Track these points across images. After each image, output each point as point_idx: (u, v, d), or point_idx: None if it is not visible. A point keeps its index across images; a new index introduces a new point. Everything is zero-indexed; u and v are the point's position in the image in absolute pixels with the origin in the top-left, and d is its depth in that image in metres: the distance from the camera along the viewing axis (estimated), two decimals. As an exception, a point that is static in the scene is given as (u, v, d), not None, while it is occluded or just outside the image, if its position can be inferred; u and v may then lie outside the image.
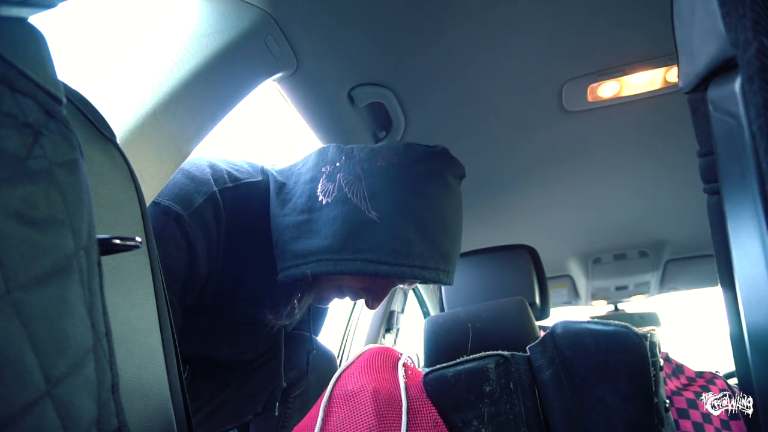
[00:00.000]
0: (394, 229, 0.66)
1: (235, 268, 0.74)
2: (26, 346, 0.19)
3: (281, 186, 0.75)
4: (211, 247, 0.69)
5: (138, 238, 0.30)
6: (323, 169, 0.72)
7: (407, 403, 0.50)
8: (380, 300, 0.76)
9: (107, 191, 0.36)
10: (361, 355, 0.59)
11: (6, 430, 0.17)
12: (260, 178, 0.77)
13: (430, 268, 0.67)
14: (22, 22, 0.23)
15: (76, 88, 0.35)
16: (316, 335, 1.09)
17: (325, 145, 0.77)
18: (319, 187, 0.71)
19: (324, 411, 0.51)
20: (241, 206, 0.72)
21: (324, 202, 0.69)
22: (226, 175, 0.73)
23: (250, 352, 0.92)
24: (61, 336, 0.21)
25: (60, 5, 0.24)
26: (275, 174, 0.78)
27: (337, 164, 0.71)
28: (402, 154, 0.71)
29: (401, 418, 0.49)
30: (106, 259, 0.26)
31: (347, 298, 0.81)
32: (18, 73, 0.21)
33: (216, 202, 0.68)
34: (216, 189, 0.69)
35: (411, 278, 0.67)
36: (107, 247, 0.28)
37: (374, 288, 0.74)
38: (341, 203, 0.68)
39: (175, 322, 0.69)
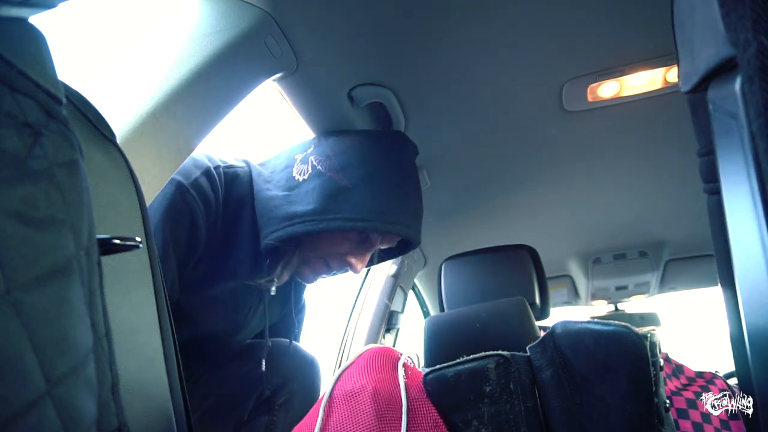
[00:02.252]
0: (366, 193, 0.76)
1: (225, 242, 0.79)
2: (26, 346, 0.19)
3: (260, 173, 0.85)
4: (209, 217, 0.75)
5: (138, 238, 0.30)
6: (296, 157, 0.83)
7: (407, 403, 0.50)
8: (362, 263, 0.83)
9: (107, 191, 0.36)
10: (361, 355, 0.59)
11: (6, 430, 0.17)
12: (244, 166, 0.87)
13: (401, 224, 0.77)
14: (22, 22, 0.23)
15: (76, 88, 0.35)
16: (297, 341, 1.09)
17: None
18: (294, 169, 0.81)
19: (324, 411, 0.51)
20: (230, 185, 0.81)
21: (301, 180, 0.79)
22: (217, 159, 0.83)
23: (241, 331, 0.93)
24: (61, 336, 0.21)
25: (60, 5, 0.24)
26: (256, 166, 0.88)
27: (308, 150, 0.83)
28: (365, 135, 0.86)
29: (401, 418, 0.49)
30: (106, 259, 0.26)
31: (332, 277, 0.87)
32: (18, 73, 0.21)
33: (212, 176, 0.77)
34: (211, 165, 0.78)
35: (384, 232, 0.76)
36: (107, 247, 0.28)
37: (354, 251, 0.82)
38: (316, 177, 0.78)
39: (171, 293, 0.71)
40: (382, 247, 0.86)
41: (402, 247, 0.93)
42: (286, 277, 0.85)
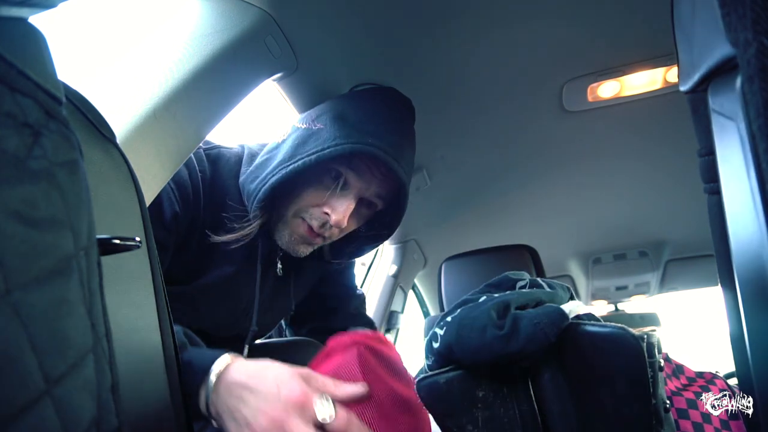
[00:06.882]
0: (334, 127, 0.73)
1: (216, 225, 0.75)
2: (26, 346, 0.19)
3: (254, 154, 0.82)
4: (181, 192, 0.71)
5: (138, 238, 0.30)
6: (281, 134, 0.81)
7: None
8: (341, 212, 0.74)
9: (107, 191, 0.36)
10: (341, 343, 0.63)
11: (6, 430, 0.17)
12: (237, 148, 0.84)
13: (367, 144, 0.71)
14: (22, 22, 0.23)
15: (76, 88, 0.35)
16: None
17: None
18: (276, 137, 0.80)
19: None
20: (215, 165, 0.79)
21: (280, 140, 0.77)
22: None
23: (237, 325, 0.87)
24: (61, 336, 0.21)
25: (60, 5, 0.24)
26: (252, 146, 0.85)
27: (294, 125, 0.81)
28: (352, 92, 0.86)
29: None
30: (106, 259, 0.26)
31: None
32: (18, 73, 0.21)
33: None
34: None
35: (350, 153, 0.70)
36: (107, 247, 0.28)
37: (330, 199, 0.75)
38: (294, 132, 0.77)
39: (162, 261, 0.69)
40: (370, 198, 0.78)
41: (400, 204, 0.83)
42: (287, 244, 0.78)
